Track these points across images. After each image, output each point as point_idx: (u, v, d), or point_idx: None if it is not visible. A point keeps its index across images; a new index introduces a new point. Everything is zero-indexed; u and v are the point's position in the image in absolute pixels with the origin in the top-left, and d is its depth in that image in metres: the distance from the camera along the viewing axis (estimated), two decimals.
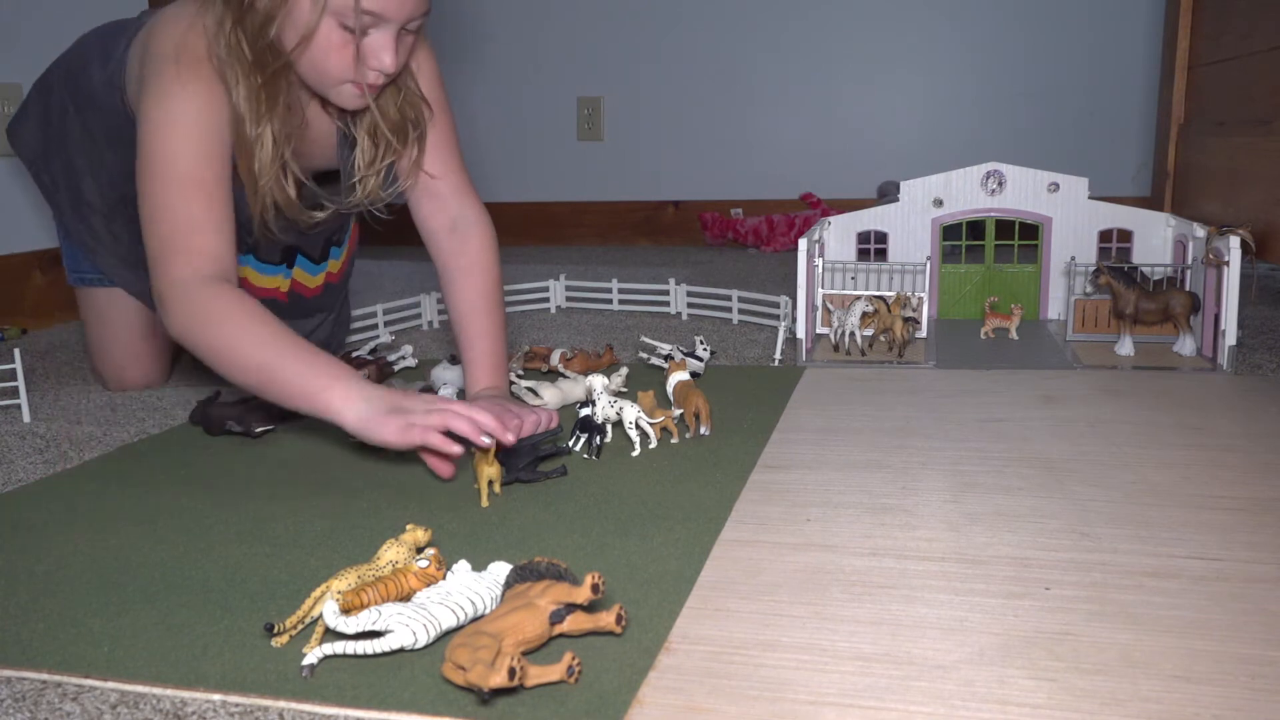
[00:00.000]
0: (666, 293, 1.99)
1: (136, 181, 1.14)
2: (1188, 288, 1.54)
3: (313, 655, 0.68)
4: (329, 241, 1.50)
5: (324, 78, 1.14)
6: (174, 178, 1.11)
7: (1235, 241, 1.39)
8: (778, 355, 1.56)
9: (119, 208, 1.36)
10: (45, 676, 0.68)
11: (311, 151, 1.27)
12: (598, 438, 1.11)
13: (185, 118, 1.11)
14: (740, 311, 1.88)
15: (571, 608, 0.69)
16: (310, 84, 1.17)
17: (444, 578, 0.75)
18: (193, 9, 1.14)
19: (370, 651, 0.68)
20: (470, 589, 0.72)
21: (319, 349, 1.06)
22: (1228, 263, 1.39)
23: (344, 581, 0.74)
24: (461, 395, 1.30)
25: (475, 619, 0.71)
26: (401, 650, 0.69)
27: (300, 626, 0.72)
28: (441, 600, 0.71)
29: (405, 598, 0.73)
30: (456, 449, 0.97)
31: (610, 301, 2.05)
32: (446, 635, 0.70)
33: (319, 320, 1.55)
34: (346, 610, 0.70)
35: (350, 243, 1.56)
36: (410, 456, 1.12)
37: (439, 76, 1.31)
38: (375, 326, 1.79)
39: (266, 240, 1.31)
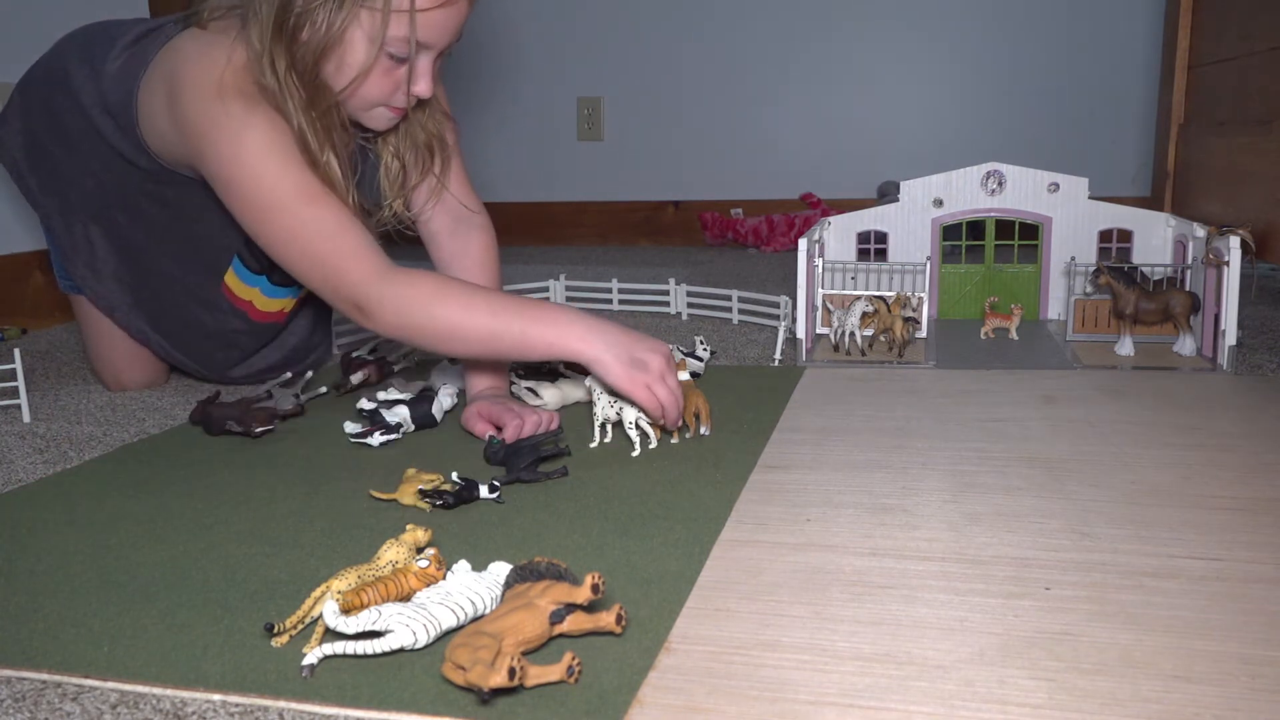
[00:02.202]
0: (666, 293, 1.99)
1: (249, 227, 1.12)
2: (1188, 288, 1.54)
3: (313, 655, 0.68)
4: None
5: (362, 104, 1.14)
6: (290, 202, 1.09)
7: (1235, 241, 1.39)
8: (778, 355, 1.56)
9: (99, 217, 1.35)
10: (45, 676, 0.68)
11: None
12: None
13: (261, 145, 1.09)
14: (740, 311, 1.88)
15: (571, 608, 0.69)
16: (347, 110, 1.17)
17: (444, 578, 0.75)
18: (222, 42, 1.12)
19: (370, 651, 0.68)
20: (470, 589, 0.72)
21: (534, 301, 1.11)
22: (1228, 263, 1.39)
23: (344, 581, 0.74)
24: (462, 395, 1.30)
25: (475, 619, 0.71)
26: (401, 650, 0.69)
27: (300, 626, 0.72)
28: (441, 600, 0.71)
29: (405, 598, 0.73)
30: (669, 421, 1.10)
31: (610, 301, 2.05)
32: (446, 635, 0.70)
33: (302, 315, 1.54)
34: (346, 610, 0.70)
35: None
36: (412, 453, 1.12)
37: (444, 96, 1.31)
38: None
39: None
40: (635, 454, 1.11)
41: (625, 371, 1.06)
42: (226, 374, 1.48)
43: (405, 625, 0.68)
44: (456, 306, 1.07)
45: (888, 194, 2.35)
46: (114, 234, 1.36)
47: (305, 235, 1.09)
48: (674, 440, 1.15)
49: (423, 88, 1.12)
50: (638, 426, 1.12)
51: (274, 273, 1.36)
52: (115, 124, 1.24)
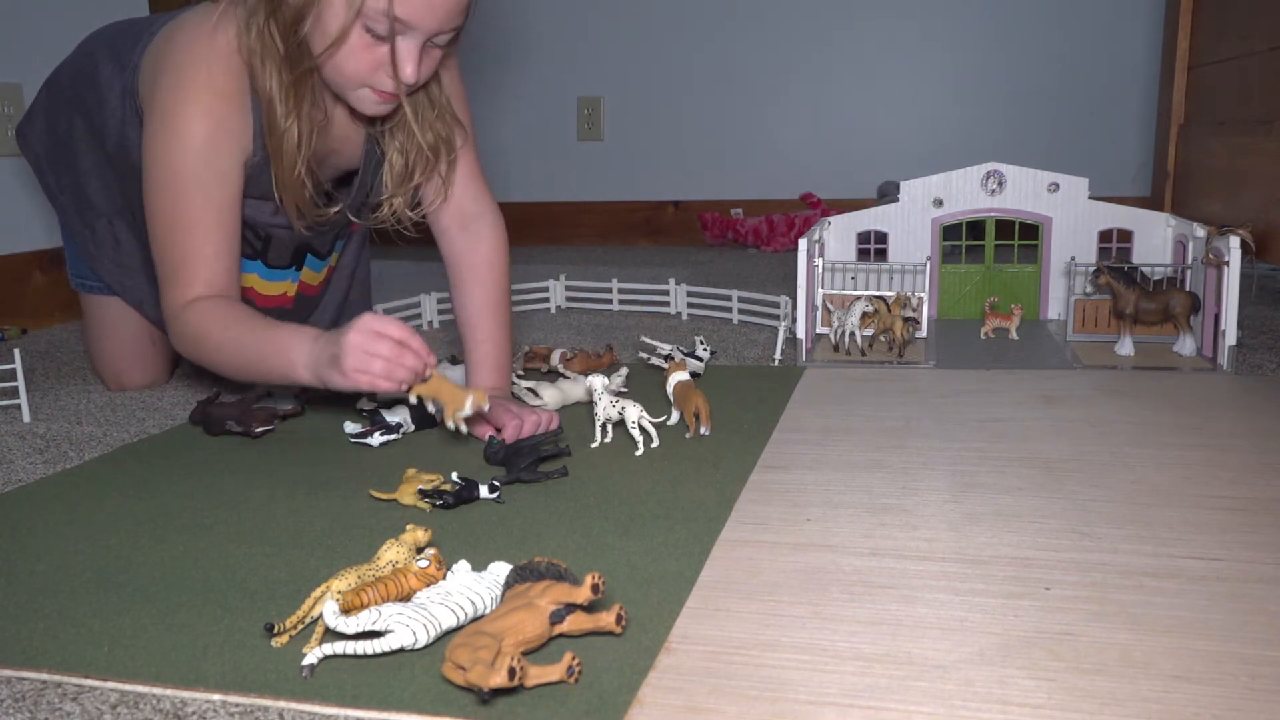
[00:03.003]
0: (666, 293, 1.99)
1: (145, 189, 1.15)
2: (1188, 288, 1.54)
3: (313, 655, 0.68)
4: (335, 236, 1.49)
5: (344, 80, 1.13)
6: (175, 201, 1.12)
7: (1235, 241, 1.39)
8: (778, 355, 1.56)
9: (124, 212, 1.36)
10: (45, 676, 0.68)
11: (335, 149, 1.26)
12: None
13: (190, 136, 1.11)
14: (740, 311, 1.88)
15: (571, 608, 0.69)
16: (330, 85, 1.16)
17: (444, 578, 0.75)
18: (216, 11, 1.13)
19: (370, 651, 0.68)
20: (470, 589, 0.72)
21: (277, 325, 1.11)
22: (1228, 263, 1.39)
23: (344, 581, 0.74)
24: None
25: (475, 619, 0.71)
26: (401, 650, 0.69)
27: (300, 626, 0.72)
28: (441, 600, 0.71)
29: (405, 598, 0.73)
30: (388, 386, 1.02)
31: (610, 301, 2.05)
32: (446, 635, 0.70)
33: (323, 309, 1.53)
34: (346, 610, 0.70)
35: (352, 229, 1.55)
36: (412, 453, 1.12)
37: (464, 94, 1.31)
38: None
39: (297, 234, 1.30)
40: (638, 453, 1.11)
41: (329, 371, 1.02)
42: None
43: (405, 625, 0.68)
44: (215, 346, 1.12)
45: (888, 194, 2.35)
46: (137, 228, 1.37)
47: (166, 239, 1.14)
48: (675, 429, 1.15)
49: (408, 71, 1.10)
50: (640, 426, 1.12)
51: (267, 256, 1.36)
52: (125, 106, 1.26)
